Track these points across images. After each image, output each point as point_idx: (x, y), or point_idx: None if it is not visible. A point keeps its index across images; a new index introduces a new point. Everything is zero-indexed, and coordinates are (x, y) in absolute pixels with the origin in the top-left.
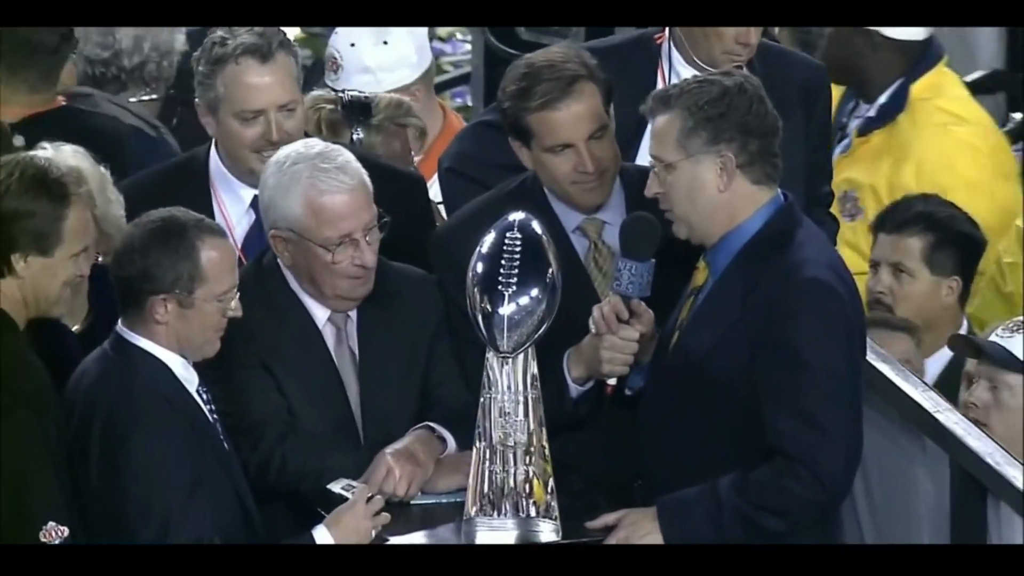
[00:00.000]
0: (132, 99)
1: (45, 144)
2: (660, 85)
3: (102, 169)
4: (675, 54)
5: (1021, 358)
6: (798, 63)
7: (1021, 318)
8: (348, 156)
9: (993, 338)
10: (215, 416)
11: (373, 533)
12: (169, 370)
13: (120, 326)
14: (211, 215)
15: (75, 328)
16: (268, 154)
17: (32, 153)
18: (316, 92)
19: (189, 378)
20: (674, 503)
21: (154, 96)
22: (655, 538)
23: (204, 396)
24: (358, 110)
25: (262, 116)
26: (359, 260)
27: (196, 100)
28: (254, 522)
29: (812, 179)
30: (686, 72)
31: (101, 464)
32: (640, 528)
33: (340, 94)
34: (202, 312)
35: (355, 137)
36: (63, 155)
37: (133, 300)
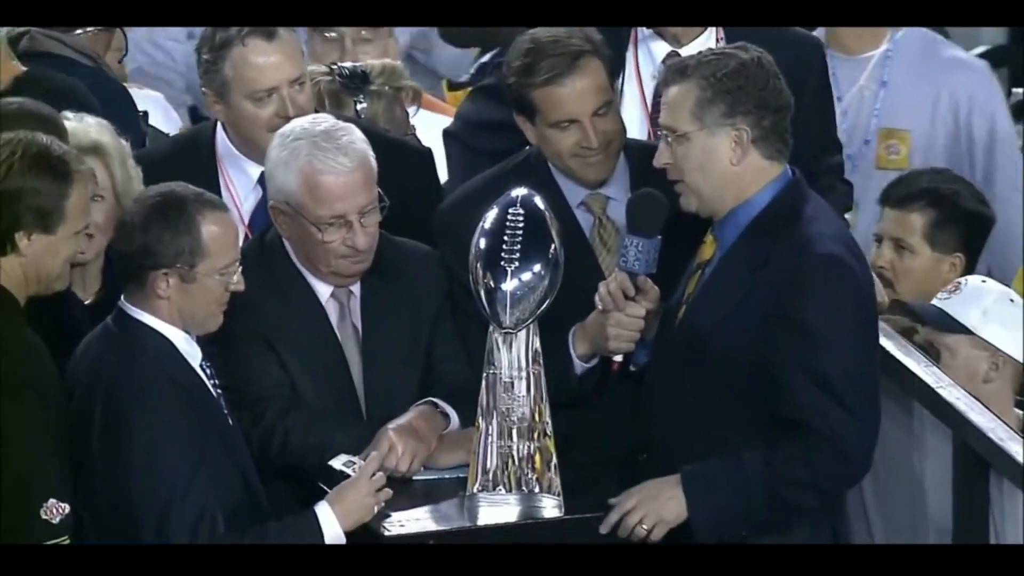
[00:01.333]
0: (78, 31)
1: (68, 114)
2: (630, 58)
3: (123, 142)
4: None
5: (958, 319)
6: (788, 40)
7: (959, 279)
8: (354, 136)
9: (934, 301)
10: (219, 391)
11: (376, 509)
12: (172, 345)
13: (123, 301)
14: (217, 192)
15: (87, 301)
16: None
17: (33, 131)
18: (310, 67)
19: (192, 353)
20: (698, 472)
21: (100, 28)
22: (678, 505)
23: (208, 371)
24: (356, 80)
25: (275, 94)
26: (350, 242)
27: (203, 89)
28: (259, 498)
29: (818, 154)
30: (655, 44)
31: (103, 441)
32: (662, 494)
33: (333, 66)
34: (204, 286)
35: (359, 107)
36: (85, 126)
37: (135, 276)
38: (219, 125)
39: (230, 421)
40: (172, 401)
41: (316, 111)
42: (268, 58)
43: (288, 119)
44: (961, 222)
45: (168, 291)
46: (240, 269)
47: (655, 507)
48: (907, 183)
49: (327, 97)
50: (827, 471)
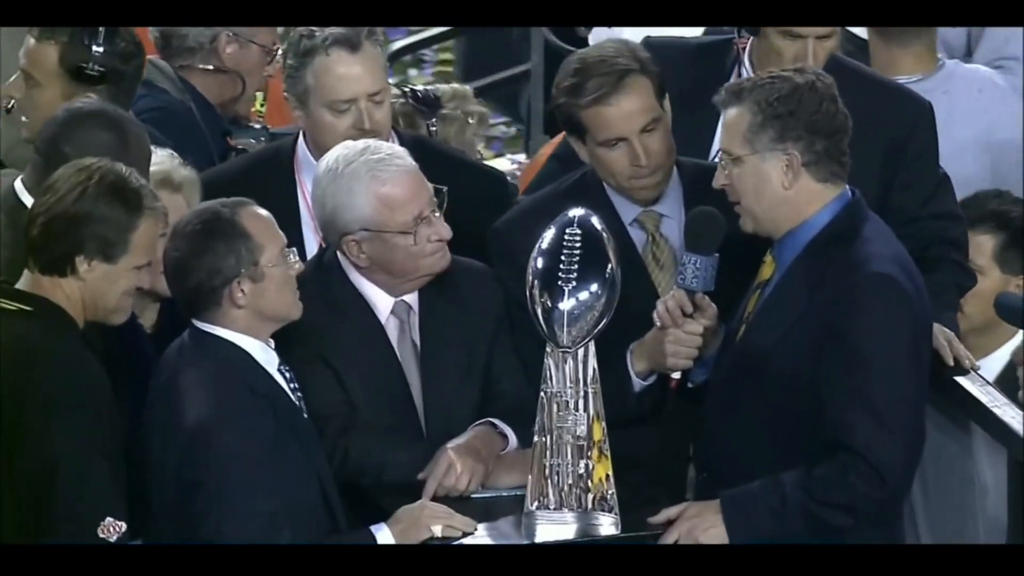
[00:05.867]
0: (201, 66)
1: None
2: None
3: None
4: (748, 65)
5: None
6: (894, 100)
7: None
8: (384, 142)
9: None
10: (298, 395)
11: (432, 532)
12: (249, 355)
13: (195, 323)
14: (295, 205)
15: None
16: None
17: (115, 161)
18: None
19: (269, 360)
20: (738, 497)
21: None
22: (718, 531)
23: (287, 375)
24: (428, 103)
25: (353, 105)
26: (436, 236)
27: (285, 94)
28: (332, 500)
29: (912, 219)
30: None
31: (180, 456)
32: (703, 521)
33: (405, 88)
34: (272, 278)
35: (431, 129)
36: (172, 163)
37: (207, 300)
38: (300, 137)
39: (308, 425)
40: (252, 411)
41: (393, 128)
42: (349, 69)
43: (364, 132)
44: None
45: (245, 298)
46: (294, 251)
47: (695, 535)
48: (975, 206)
49: (401, 119)
50: (864, 493)
